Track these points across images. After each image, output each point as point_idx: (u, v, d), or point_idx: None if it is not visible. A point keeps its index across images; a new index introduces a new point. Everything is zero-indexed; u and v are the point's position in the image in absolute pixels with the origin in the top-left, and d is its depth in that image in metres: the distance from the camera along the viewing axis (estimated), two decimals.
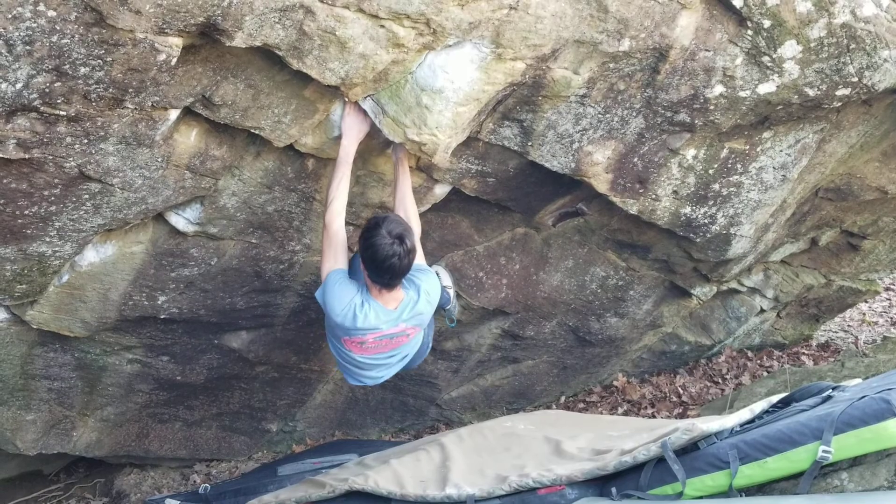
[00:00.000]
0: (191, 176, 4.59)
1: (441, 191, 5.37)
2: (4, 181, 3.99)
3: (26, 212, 4.23)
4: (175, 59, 3.74)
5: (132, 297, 5.27)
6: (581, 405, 8.30)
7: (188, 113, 4.30)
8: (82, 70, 3.55)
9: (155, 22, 3.49)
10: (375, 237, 4.30)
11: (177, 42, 3.67)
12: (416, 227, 4.72)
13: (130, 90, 3.78)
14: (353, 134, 4.53)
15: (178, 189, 4.62)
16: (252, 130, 4.49)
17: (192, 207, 4.89)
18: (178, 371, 6.24)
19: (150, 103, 3.95)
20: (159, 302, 5.39)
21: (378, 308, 4.54)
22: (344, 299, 4.48)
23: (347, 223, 5.23)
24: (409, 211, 4.77)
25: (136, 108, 3.93)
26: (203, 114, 4.31)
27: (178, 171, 4.52)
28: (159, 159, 4.35)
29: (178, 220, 4.93)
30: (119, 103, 3.83)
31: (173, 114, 4.16)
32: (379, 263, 4.33)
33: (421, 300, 4.65)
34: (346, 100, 4.43)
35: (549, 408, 8.25)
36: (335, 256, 4.53)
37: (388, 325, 4.60)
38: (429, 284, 4.71)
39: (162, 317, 5.51)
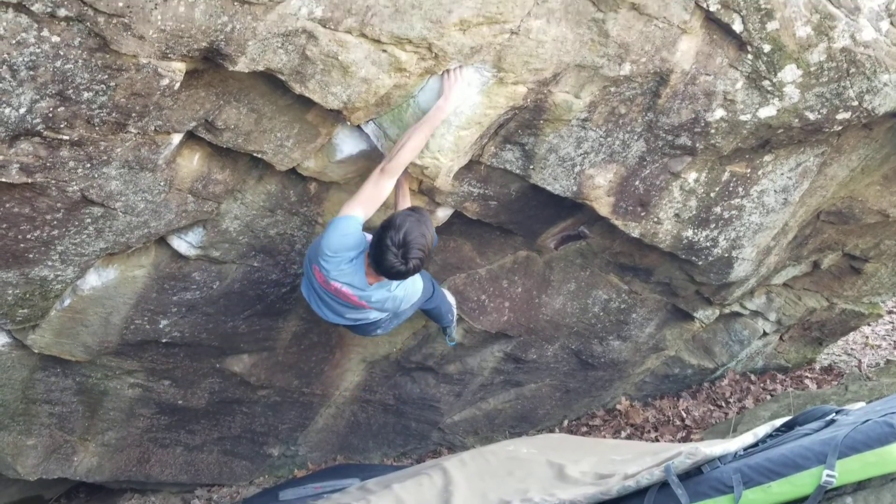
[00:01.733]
0: (193, 200, 4.59)
1: (443, 214, 5.38)
2: (7, 205, 3.99)
3: (29, 236, 4.23)
4: (178, 84, 3.75)
5: (134, 321, 5.26)
6: (584, 429, 8.28)
7: (191, 137, 4.31)
8: (85, 95, 3.56)
9: (158, 47, 3.50)
10: (385, 241, 4.27)
11: (180, 67, 3.68)
12: None
13: (133, 115, 3.79)
14: (454, 97, 4.35)
15: (180, 213, 4.62)
16: (254, 154, 4.50)
17: (195, 231, 4.89)
18: (180, 395, 6.22)
19: (153, 128, 3.96)
20: (161, 326, 5.38)
21: (360, 275, 4.51)
22: (342, 246, 4.41)
23: None
24: None
25: (139, 133, 3.94)
26: (206, 138, 4.32)
27: (181, 194, 4.52)
28: (162, 183, 4.36)
29: (181, 244, 4.93)
30: (122, 128, 3.83)
31: (176, 138, 4.17)
32: (380, 264, 4.34)
33: (394, 296, 4.66)
34: (448, 69, 4.35)
35: (551, 431, 8.23)
36: (364, 206, 4.41)
37: (355, 292, 4.57)
38: (411, 289, 4.76)
39: (164, 340, 5.50)
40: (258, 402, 6.74)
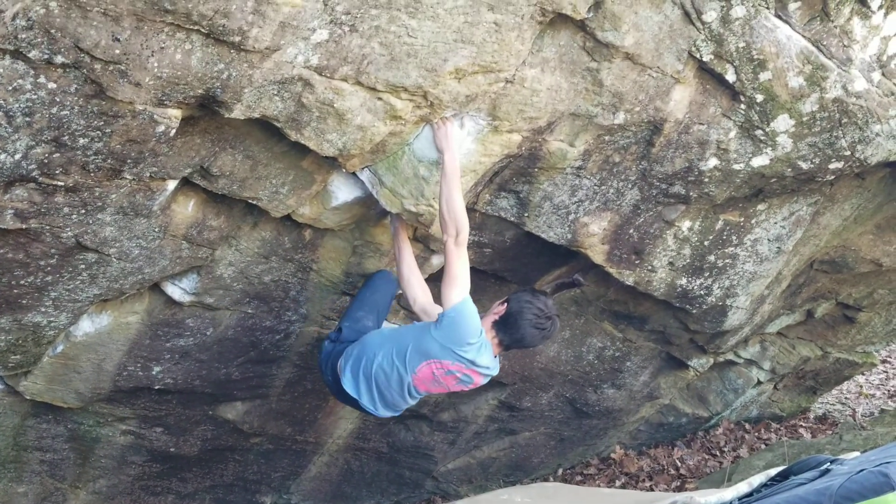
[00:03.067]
0: (188, 246, 4.57)
1: (438, 261, 5.34)
2: (1, 251, 3.98)
3: (22, 282, 4.21)
4: (174, 131, 3.75)
5: (127, 368, 5.22)
6: (579, 478, 8.24)
7: (186, 183, 4.30)
8: (81, 141, 3.56)
9: (154, 94, 3.51)
10: (531, 314, 4.49)
11: (176, 114, 3.69)
12: (426, 296, 4.82)
13: (129, 161, 3.78)
14: (453, 145, 4.35)
15: (174, 259, 4.60)
16: (250, 201, 4.49)
17: (189, 277, 4.87)
18: (172, 442, 6.15)
19: (148, 174, 3.96)
20: (154, 372, 5.33)
21: (489, 352, 4.58)
22: (476, 330, 4.45)
23: (345, 293, 5.25)
24: (418, 281, 4.84)
25: (134, 179, 3.94)
26: (201, 184, 4.31)
27: (176, 241, 4.50)
28: (156, 229, 4.35)
29: (175, 290, 4.90)
30: (117, 174, 3.83)
31: (171, 184, 4.16)
32: (523, 336, 4.55)
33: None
34: (435, 119, 4.36)
35: (546, 480, 8.18)
36: (465, 283, 4.41)
37: (483, 371, 4.62)
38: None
39: (156, 387, 5.45)
40: (251, 449, 6.67)
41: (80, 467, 6.09)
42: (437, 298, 4.59)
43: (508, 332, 4.54)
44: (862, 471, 3.92)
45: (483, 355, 4.51)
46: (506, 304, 4.57)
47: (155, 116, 3.62)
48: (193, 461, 6.50)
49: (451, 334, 4.40)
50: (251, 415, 6.23)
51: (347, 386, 4.68)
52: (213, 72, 3.56)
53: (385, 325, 5.05)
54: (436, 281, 5.25)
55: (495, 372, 4.69)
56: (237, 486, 7.02)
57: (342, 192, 4.66)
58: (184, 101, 3.64)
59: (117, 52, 3.29)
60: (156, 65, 3.41)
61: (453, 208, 4.27)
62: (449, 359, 4.48)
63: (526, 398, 7.17)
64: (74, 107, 3.43)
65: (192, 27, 3.37)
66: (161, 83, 3.48)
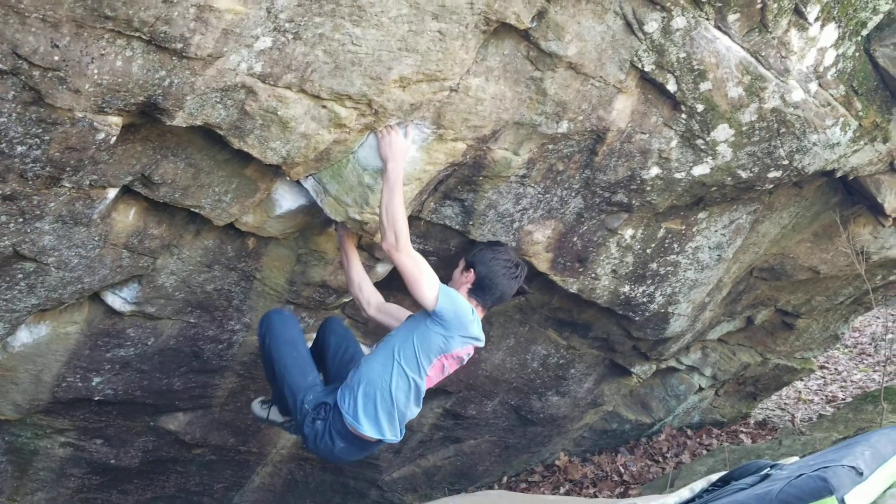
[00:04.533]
0: (128, 255, 4.52)
1: (383, 269, 5.34)
2: None
3: None
4: (114, 138, 3.71)
5: (66, 379, 5.13)
6: (523, 485, 8.25)
7: (127, 191, 4.25)
8: (19, 149, 3.51)
9: (94, 101, 3.47)
10: (503, 266, 4.60)
11: (116, 121, 3.64)
12: (378, 297, 4.85)
13: (68, 169, 3.73)
14: (398, 154, 4.29)
15: (115, 268, 4.54)
16: (192, 209, 4.44)
17: (130, 287, 4.81)
18: (112, 454, 6.06)
19: (88, 182, 3.91)
20: (94, 383, 5.25)
21: (478, 321, 4.61)
22: (468, 306, 4.48)
23: (289, 302, 5.22)
24: (368, 286, 4.85)
25: (73, 187, 3.89)
26: (142, 192, 4.26)
27: (116, 250, 4.45)
28: (96, 238, 4.29)
29: (115, 300, 4.84)
30: (56, 182, 3.78)
31: (112, 192, 4.11)
32: (502, 291, 4.65)
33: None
34: (380, 127, 4.31)
35: (490, 488, 8.19)
36: (431, 275, 4.37)
37: (480, 342, 4.66)
38: None
39: (96, 398, 5.36)
40: (193, 460, 6.59)
41: (17, 480, 5.99)
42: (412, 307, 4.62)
43: (488, 294, 4.62)
44: (801, 475, 4.01)
45: (479, 325, 4.60)
46: (472, 270, 4.59)
47: (95, 124, 3.58)
48: (134, 473, 6.41)
49: (455, 323, 4.41)
50: (193, 425, 6.16)
51: (369, 432, 4.50)
52: (155, 79, 3.52)
53: (364, 348, 4.99)
54: (379, 290, 5.26)
55: (483, 339, 4.70)
56: (179, 497, 6.94)
57: (286, 200, 4.62)
58: (125, 109, 3.59)
59: (56, 58, 3.25)
60: (96, 71, 3.37)
61: (392, 215, 4.24)
62: (458, 347, 4.52)
63: (471, 406, 7.18)
64: (12, 114, 3.37)
65: (132, 34, 3.33)
66: (101, 90, 3.44)
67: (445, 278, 4.59)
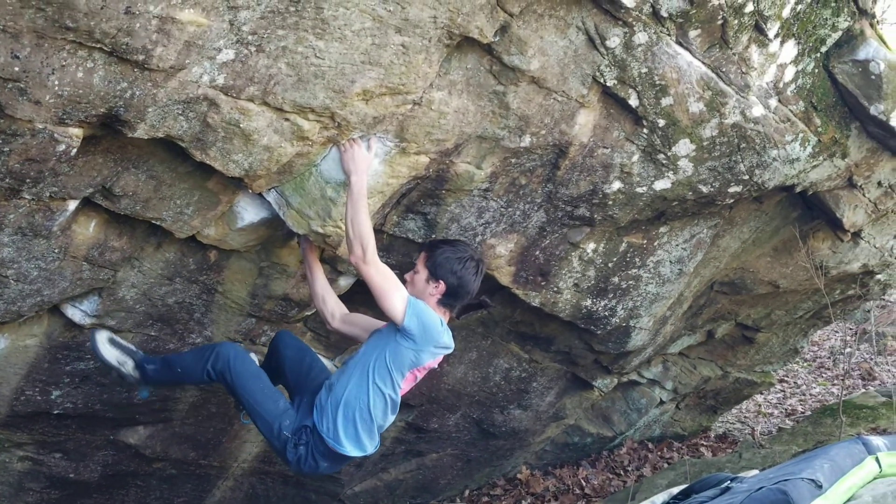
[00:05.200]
0: (89, 267, 4.48)
1: (345, 283, 5.33)
2: None
3: None
4: (75, 150, 3.68)
5: (25, 392, 5.08)
6: (485, 499, 8.24)
7: (87, 203, 4.22)
8: None
9: (55, 112, 3.44)
10: (464, 266, 4.49)
11: (77, 133, 3.62)
12: (342, 309, 4.83)
13: (28, 180, 3.71)
14: (361, 167, 4.28)
15: (75, 281, 4.50)
16: (153, 221, 4.41)
17: (90, 299, 4.76)
18: (72, 468, 5.99)
19: (48, 194, 3.88)
20: (53, 397, 5.20)
21: (447, 329, 4.57)
22: (437, 317, 4.45)
23: (251, 315, 5.18)
24: (332, 298, 4.82)
25: (33, 199, 3.86)
26: (103, 204, 4.23)
27: (76, 262, 4.40)
28: (56, 250, 4.25)
29: (75, 313, 4.79)
30: (16, 193, 3.75)
31: (72, 204, 4.09)
32: (467, 290, 4.55)
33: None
34: (343, 140, 4.30)
35: (452, 501, 8.17)
36: (399, 287, 4.35)
37: (449, 350, 4.65)
38: None
39: (55, 412, 5.30)
40: (153, 474, 6.53)
41: None
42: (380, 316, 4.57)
43: (458, 300, 4.58)
44: (761, 488, 4.04)
45: (449, 333, 4.58)
46: (441, 282, 4.50)
47: (55, 135, 3.56)
48: (94, 487, 6.33)
49: (424, 336, 4.40)
50: (154, 439, 6.10)
51: (352, 452, 4.54)
52: (116, 90, 3.50)
53: (325, 361, 4.96)
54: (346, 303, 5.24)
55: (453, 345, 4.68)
56: None
57: (248, 213, 4.60)
58: (85, 120, 3.57)
59: (16, 69, 3.23)
60: (56, 83, 3.35)
61: (357, 227, 4.22)
62: (429, 359, 4.54)
63: (433, 419, 7.16)
64: None
65: (94, 45, 3.32)
66: (62, 101, 3.42)
67: (406, 283, 4.55)
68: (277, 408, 4.53)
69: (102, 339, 4.57)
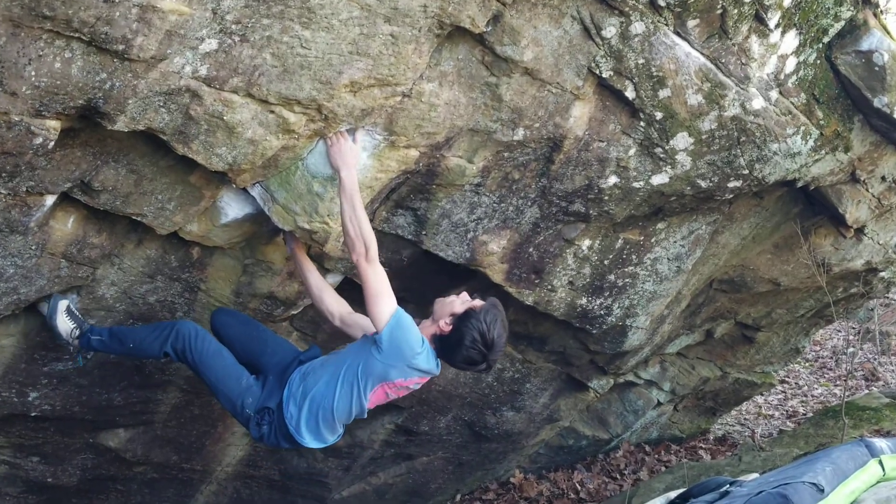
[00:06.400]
0: (67, 265, 4.44)
1: (332, 280, 5.27)
2: None
3: None
4: (52, 143, 3.63)
5: (1, 394, 5.05)
6: (477, 503, 8.23)
7: (66, 198, 4.18)
8: None
9: (32, 104, 3.40)
10: (470, 336, 4.29)
11: (55, 125, 3.57)
12: (342, 306, 4.77)
13: (4, 175, 3.68)
14: (349, 161, 4.22)
15: (53, 278, 4.45)
16: (134, 217, 4.37)
17: (68, 298, 4.70)
18: (49, 472, 6.00)
19: (24, 188, 3.84)
20: (30, 398, 5.17)
21: (433, 355, 4.45)
22: (418, 339, 4.33)
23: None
24: (331, 295, 4.77)
25: (9, 194, 3.82)
26: (82, 200, 4.19)
27: (54, 259, 4.36)
28: (33, 247, 4.21)
29: None
30: None
31: (49, 199, 4.04)
32: (455, 356, 4.39)
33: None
34: (329, 133, 4.24)
35: None
36: (390, 296, 4.27)
37: (433, 373, 4.55)
38: None
39: (33, 414, 5.29)
40: (134, 479, 6.53)
41: None
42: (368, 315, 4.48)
43: (447, 347, 4.42)
44: (761, 492, 3.99)
45: (430, 359, 4.43)
46: (451, 326, 4.39)
47: (32, 128, 3.51)
48: (72, 492, 6.35)
49: (396, 353, 4.28)
50: (135, 442, 6.10)
51: (311, 444, 4.56)
52: (95, 82, 3.46)
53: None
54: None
55: (438, 370, 4.59)
56: None
57: (232, 208, 4.56)
58: (63, 112, 3.53)
59: None
60: (33, 73, 3.31)
61: (358, 225, 4.17)
62: (401, 377, 4.41)
63: (423, 422, 7.17)
64: None
65: (72, 34, 3.27)
66: (39, 93, 3.37)
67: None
68: (240, 385, 4.53)
69: (62, 307, 4.57)
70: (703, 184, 5.29)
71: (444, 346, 4.39)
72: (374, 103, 4.17)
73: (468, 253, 5.27)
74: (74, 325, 4.57)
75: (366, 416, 4.59)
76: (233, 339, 4.76)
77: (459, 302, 4.42)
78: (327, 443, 4.63)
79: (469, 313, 4.33)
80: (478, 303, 4.40)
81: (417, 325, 4.37)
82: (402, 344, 4.26)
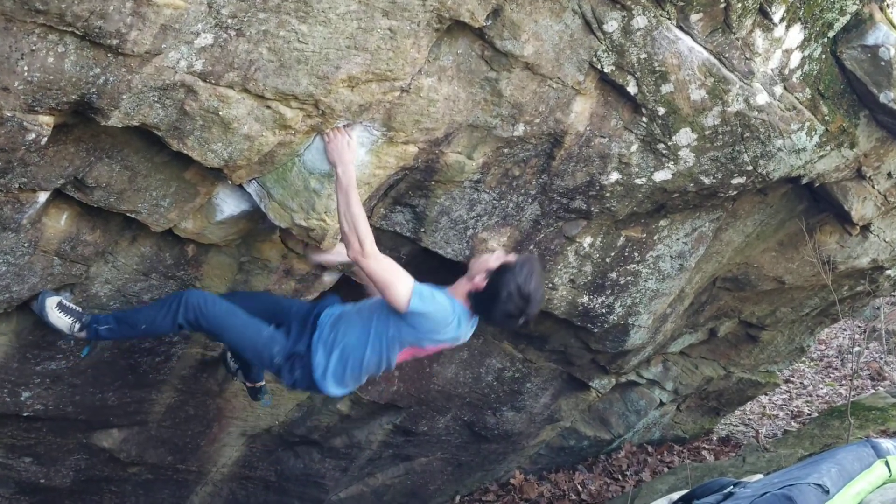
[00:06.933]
0: (60, 262, 4.42)
1: (329, 279, 5.29)
2: None
3: None
4: (45, 139, 3.63)
5: None
6: None
7: (59, 195, 4.17)
8: None
9: (24, 99, 3.39)
10: (507, 289, 4.28)
11: (48, 121, 3.57)
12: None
13: None
14: (346, 157, 4.22)
15: (45, 276, 4.43)
16: (128, 214, 4.35)
17: (62, 296, 4.66)
18: (42, 473, 5.99)
19: (17, 185, 3.83)
20: (23, 398, 5.15)
21: (465, 317, 4.50)
22: (446, 311, 4.37)
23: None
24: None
25: (1, 191, 3.83)
26: (75, 196, 4.17)
27: (47, 257, 4.35)
28: (26, 244, 4.19)
29: None
30: None
31: (42, 196, 4.03)
32: (493, 312, 4.39)
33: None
34: (326, 129, 4.23)
35: None
36: (404, 277, 4.26)
37: (465, 337, 4.65)
38: None
39: (25, 414, 5.27)
40: (128, 480, 6.53)
41: None
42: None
43: (485, 302, 4.43)
44: (766, 494, 3.97)
45: (461, 326, 4.50)
46: (487, 281, 4.40)
47: (25, 123, 3.50)
48: (65, 493, 6.35)
49: (425, 327, 4.36)
50: (129, 443, 6.09)
51: (334, 391, 4.65)
52: (89, 76, 3.45)
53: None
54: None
55: (470, 333, 4.66)
56: None
57: (228, 205, 4.54)
58: (56, 108, 3.52)
59: None
60: (26, 68, 3.29)
61: (352, 221, 4.16)
62: (430, 345, 4.57)
63: (422, 422, 7.18)
64: None
65: (65, 28, 3.26)
66: (31, 88, 3.36)
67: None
68: (262, 337, 4.59)
69: (52, 304, 4.53)
70: (706, 180, 5.28)
71: (481, 302, 4.43)
72: (372, 98, 4.15)
73: (467, 251, 5.26)
74: (73, 320, 4.54)
75: (391, 369, 4.72)
76: (243, 300, 4.79)
77: (494, 258, 4.46)
78: (348, 391, 4.73)
79: (504, 268, 4.36)
80: (512, 257, 4.43)
81: (452, 286, 4.44)
82: (429, 322, 4.33)
